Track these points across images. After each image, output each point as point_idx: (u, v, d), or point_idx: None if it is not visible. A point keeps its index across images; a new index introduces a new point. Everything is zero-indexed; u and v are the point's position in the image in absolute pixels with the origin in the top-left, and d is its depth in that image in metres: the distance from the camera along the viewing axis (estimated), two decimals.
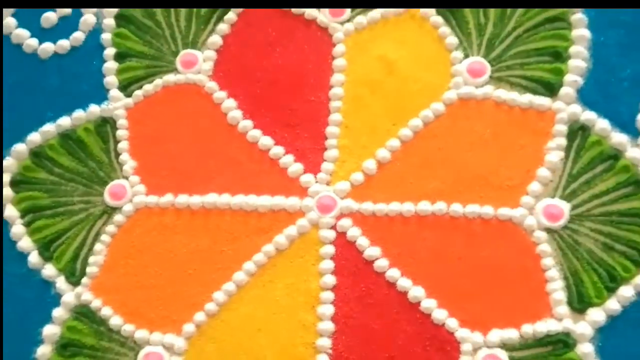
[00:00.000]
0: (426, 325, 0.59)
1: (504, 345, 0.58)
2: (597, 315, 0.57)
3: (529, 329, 0.57)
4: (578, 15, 0.66)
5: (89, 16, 0.72)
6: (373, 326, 0.60)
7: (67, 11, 0.72)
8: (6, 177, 0.68)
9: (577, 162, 0.63)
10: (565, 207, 0.61)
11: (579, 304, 0.58)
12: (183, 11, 0.72)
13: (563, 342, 0.57)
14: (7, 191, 0.67)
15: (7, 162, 0.68)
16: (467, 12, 0.69)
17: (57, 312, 0.62)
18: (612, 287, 0.58)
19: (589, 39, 0.66)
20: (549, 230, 0.60)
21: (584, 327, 0.57)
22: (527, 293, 0.59)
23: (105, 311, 0.62)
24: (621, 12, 0.67)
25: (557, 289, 0.58)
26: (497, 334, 0.58)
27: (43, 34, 0.73)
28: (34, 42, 0.73)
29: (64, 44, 0.72)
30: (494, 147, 0.65)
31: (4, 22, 0.73)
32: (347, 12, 0.70)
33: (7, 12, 0.74)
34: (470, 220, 0.62)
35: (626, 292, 0.58)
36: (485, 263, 0.61)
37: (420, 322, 0.59)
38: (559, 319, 0.58)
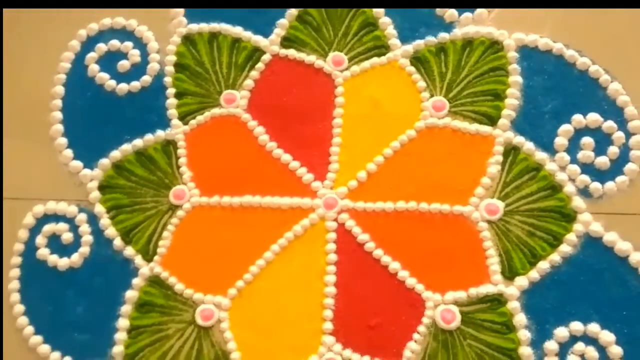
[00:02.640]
0: (401, 289, 0.70)
1: (456, 303, 0.69)
2: (522, 281, 0.69)
3: (473, 291, 0.69)
4: (513, 66, 0.77)
5: (154, 64, 0.82)
6: (363, 290, 0.70)
7: (137, 60, 0.82)
8: (94, 184, 0.77)
9: (509, 173, 0.74)
10: (500, 205, 0.72)
11: (509, 273, 0.69)
12: (225, 61, 0.81)
13: (497, 300, 0.68)
14: (96, 194, 0.76)
15: (95, 172, 0.77)
16: (433, 63, 0.79)
17: (136, 281, 0.73)
18: (533, 262, 0.69)
19: (521, 83, 0.77)
20: (489, 222, 0.72)
21: (512, 290, 0.68)
22: (472, 266, 0.70)
23: (172, 280, 0.72)
24: (545, 62, 0.78)
25: (494, 263, 0.70)
26: (451, 295, 0.69)
27: (119, 77, 0.82)
28: (113, 83, 0.82)
29: (136, 84, 0.82)
30: (450, 162, 0.75)
31: (89, 67, 0.83)
32: (345, 62, 0.80)
33: (91, 58, 0.83)
34: (433, 215, 0.72)
35: (543, 265, 0.69)
36: (444, 244, 0.71)
37: (397, 287, 0.70)
38: (495, 284, 0.69)
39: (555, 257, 0.69)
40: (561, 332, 0.66)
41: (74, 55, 0.84)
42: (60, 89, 0.82)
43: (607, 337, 0.66)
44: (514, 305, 0.68)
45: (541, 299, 0.68)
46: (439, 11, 0.81)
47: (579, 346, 0.66)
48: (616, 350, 0.65)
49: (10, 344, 0.72)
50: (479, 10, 0.80)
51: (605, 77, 0.76)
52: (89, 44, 0.84)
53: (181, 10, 0.84)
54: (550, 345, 0.66)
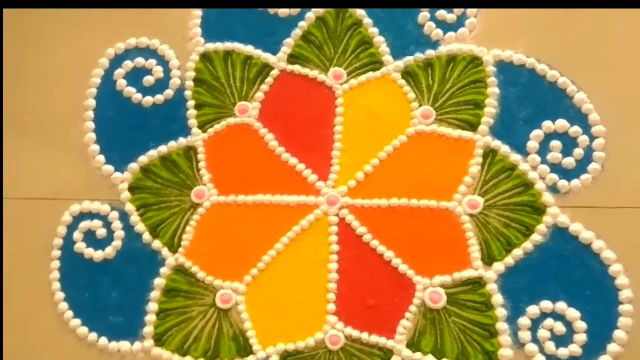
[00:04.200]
0: (394, 274, 0.74)
1: (442, 285, 0.73)
2: (499, 266, 0.73)
3: (457, 275, 0.73)
4: (491, 79, 0.80)
5: (175, 79, 0.85)
6: (361, 275, 0.74)
7: (161, 75, 0.85)
8: (125, 185, 0.81)
9: (488, 172, 0.77)
10: (480, 200, 0.76)
11: (488, 259, 0.73)
12: (238, 76, 0.84)
13: (478, 282, 0.73)
14: (126, 194, 0.80)
15: (125, 175, 0.81)
16: (421, 76, 0.81)
17: (163, 270, 0.77)
18: (509, 249, 0.73)
19: (498, 94, 0.80)
20: (470, 215, 0.75)
21: (490, 274, 0.73)
22: (456, 253, 0.74)
23: (194, 268, 0.77)
24: (519, 75, 0.80)
25: (474, 251, 0.74)
26: (438, 279, 0.73)
27: (145, 91, 0.85)
28: (139, 96, 0.85)
29: (159, 97, 0.85)
30: (437, 163, 0.78)
31: (118, 82, 0.85)
32: (344, 76, 0.82)
33: (119, 74, 0.86)
34: (422, 209, 0.76)
35: (517, 252, 0.73)
36: (431, 235, 0.75)
37: (391, 272, 0.74)
38: (475, 269, 0.73)
39: (528, 245, 0.73)
40: (533, 310, 0.71)
41: (103, 71, 0.87)
42: (91, 102, 0.86)
43: (573, 313, 0.70)
44: (492, 287, 0.72)
45: (515, 281, 0.73)
46: (426, 30, 0.84)
47: (549, 321, 0.70)
48: (581, 325, 0.70)
49: (52, 327, 0.76)
50: (461, 30, 0.84)
51: (572, 88, 0.79)
52: (116, 61, 0.88)
53: (199, 31, 0.87)
54: (524, 321, 0.71)
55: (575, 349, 0.70)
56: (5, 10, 0.91)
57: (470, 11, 0.85)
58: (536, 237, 0.74)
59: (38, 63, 0.90)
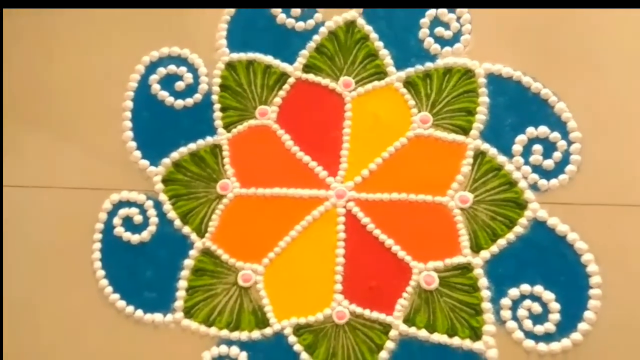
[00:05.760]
0: (394, 260, 0.77)
1: (435, 270, 0.76)
2: (485, 254, 0.77)
3: (449, 261, 0.76)
4: (482, 89, 0.84)
5: (203, 85, 0.88)
6: (365, 260, 0.77)
7: (190, 81, 0.88)
8: (159, 178, 0.83)
9: (478, 172, 0.80)
10: (470, 196, 0.79)
11: (476, 248, 0.77)
12: (259, 83, 0.87)
13: (466, 268, 0.76)
14: (160, 185, 0.83)
15: (159, 169, 0.84)
16: (421, 86, 0.84)
17: (192, 252, 0.80)
18: (494, 239, 0.77)
19: (488, 103, 0.84)
20: (461, 209, 0.79)
21: (478, 260, 0.76)
22: (448, 242, 0.77)
23: (219, 251, 0.79)
24: (506, 86, 0.83)
25: (464, 240, 0.77)
26: (432, 264, 0.76)
27: (176, 94, 0.89)
28: (171, 99, 0.88)
29: (189, 101, 0.88)
30: (433, 163, 0.81)
31: (152, 86, 0.88)
32: (353, 85, 0.86)
33: (153, 79, 0.88)
34: (419, 203, 0.79)
35: (501, 242, 0.77)
36: (427, 226, 0.78)
37: (390, 258, 0.77)
38: (464, 256, 0.76)
39: (511, 236, 0.77)
40: (513, 292, 0.74)
41: (139, 76, 0.91)
42: (129, 104, 0.89)
43: (548, 296, 0.74)
44: (478, 271, 0.76)
45: (499, 267, 0.76)
46: (425, 45, 0.89)
47: (527, 302, 0.74)
48: (555, 306, 0.74)
49: (94, 300, 0.79)
50: (456, 45, 0.88)
51: (553, 98, 0.82)
52: (151, 68, 0.91)
53: (224, 42, 0.91)
54: (505, 302, 0.74)
55: (550, 326, 0.73)
56: (57, 22, 0.94)
57: (465, 28, 0.89)
58: (518, 229, 0.77)
59: (81, 70, 0.93)
